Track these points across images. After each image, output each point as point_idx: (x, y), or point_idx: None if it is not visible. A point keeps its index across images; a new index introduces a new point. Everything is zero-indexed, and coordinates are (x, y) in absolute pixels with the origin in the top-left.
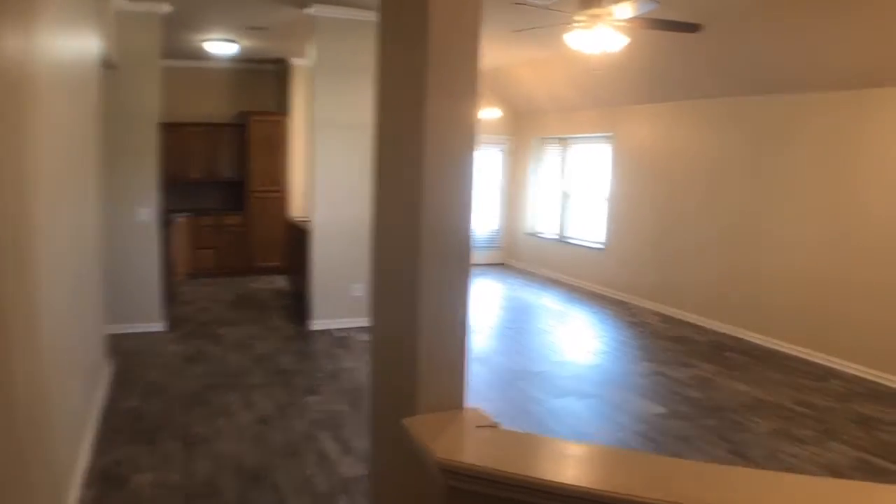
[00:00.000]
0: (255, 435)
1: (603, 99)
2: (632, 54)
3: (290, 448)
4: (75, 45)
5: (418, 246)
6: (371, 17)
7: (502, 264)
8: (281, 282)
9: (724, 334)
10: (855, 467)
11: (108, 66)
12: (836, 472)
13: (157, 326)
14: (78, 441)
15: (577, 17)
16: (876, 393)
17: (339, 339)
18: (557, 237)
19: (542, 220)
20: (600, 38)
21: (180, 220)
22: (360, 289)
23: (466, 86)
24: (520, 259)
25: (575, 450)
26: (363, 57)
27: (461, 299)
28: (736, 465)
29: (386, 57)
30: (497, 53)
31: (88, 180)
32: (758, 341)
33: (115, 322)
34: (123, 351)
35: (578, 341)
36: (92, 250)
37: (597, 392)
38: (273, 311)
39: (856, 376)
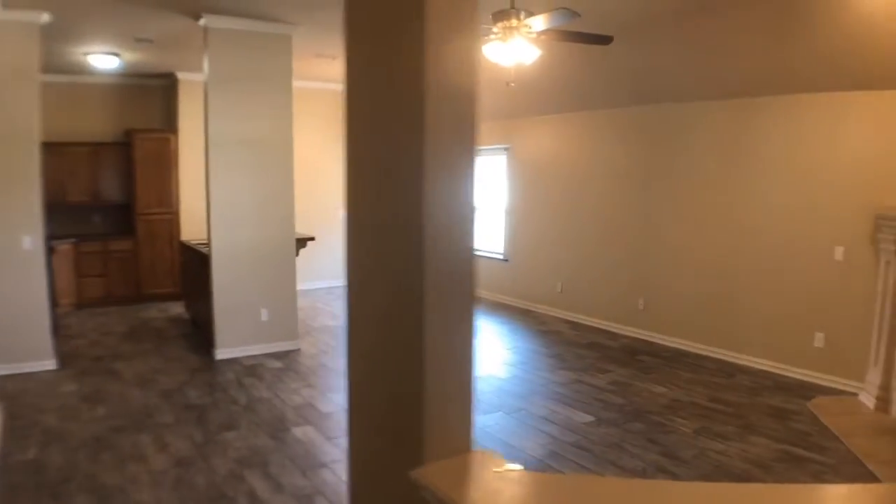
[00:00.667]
0: (174, 480)
1: (501, 111)
2: (535, 67)
3: (216, 491)
4: None
5: (421, 272)
6: (267, 28)
7: None
8: (176, 309)
9: (634, 338)
10: (778, 459)
11: None
12: (762, 465)
13: (47, 364)
14: None
15: (492, 30)
16: (781, 385)
17: (249, 368)
18: None
19: None
20: (515, 51)
21: (63, 247)
22: (267, 313)
23: (467, 85)
24: None
25: (613, 486)
26: (260, 69)
27: (469, 329)
28: (670, 468)
29: (359, 61)
30: None
31: None
32: (667, 343)
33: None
34: (11, 394)
35: (494, 353)
36: None
37: (522, 405)
38: (172, 341)
39: (761, 370)
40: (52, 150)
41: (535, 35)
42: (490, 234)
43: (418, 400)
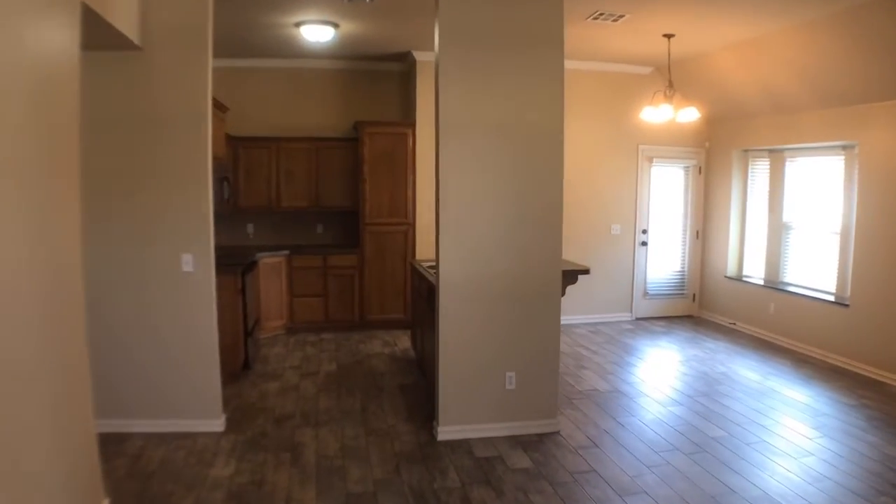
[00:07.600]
0: None
1: (841, 93)
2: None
3: None
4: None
5: None
6: None
7: (691, 317)
8: (404, 342)
9: None
10: None
11: (124, 46)
12: None
13: (211, 424)
14: None
15: None
16: None
17: (481, 465)
18: (771, 283)
19: (749, 259)
20: None
21: (271, 259)
22: (513, 378)
23: None
24: (716, 310)
25: None
26: (516, 23)
27: None
28: None
29: None
30: (692, 36)
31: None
32: None
33: (147, 416)
34: (147, 473)
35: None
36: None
37: None
38: (387, 397)
39: None
40: (265, 145)
41: None
42: (817, 266)
43: None
